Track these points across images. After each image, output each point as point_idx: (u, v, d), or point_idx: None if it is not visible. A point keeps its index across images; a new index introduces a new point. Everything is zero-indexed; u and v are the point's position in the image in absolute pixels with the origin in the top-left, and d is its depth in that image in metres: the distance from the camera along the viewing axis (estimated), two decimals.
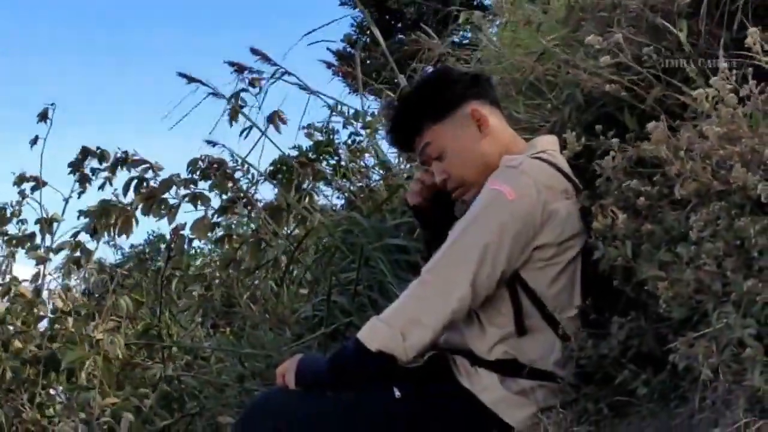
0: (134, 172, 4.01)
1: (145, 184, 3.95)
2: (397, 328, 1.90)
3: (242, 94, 3.81)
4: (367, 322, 1.98)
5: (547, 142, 2.14)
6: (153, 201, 3.89)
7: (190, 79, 3.70)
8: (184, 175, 3.93)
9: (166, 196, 3.91)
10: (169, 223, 3.91)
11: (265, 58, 3.65)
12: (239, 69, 3.79)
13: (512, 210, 1.92)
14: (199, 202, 3.88)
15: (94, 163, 4.15)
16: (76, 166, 4.17)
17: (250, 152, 3.83)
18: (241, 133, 3.74)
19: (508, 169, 1.99)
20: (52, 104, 4.26)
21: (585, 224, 1.97)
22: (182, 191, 3.92)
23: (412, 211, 2.36)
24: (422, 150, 2.14)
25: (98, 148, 4.17)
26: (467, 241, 1.94)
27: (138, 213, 3.98)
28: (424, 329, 1.90)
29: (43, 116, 4.22)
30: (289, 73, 3.58)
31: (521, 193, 1.93)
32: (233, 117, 3.73)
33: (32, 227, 4.38)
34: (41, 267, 4.26)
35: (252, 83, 3.77)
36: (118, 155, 4.05)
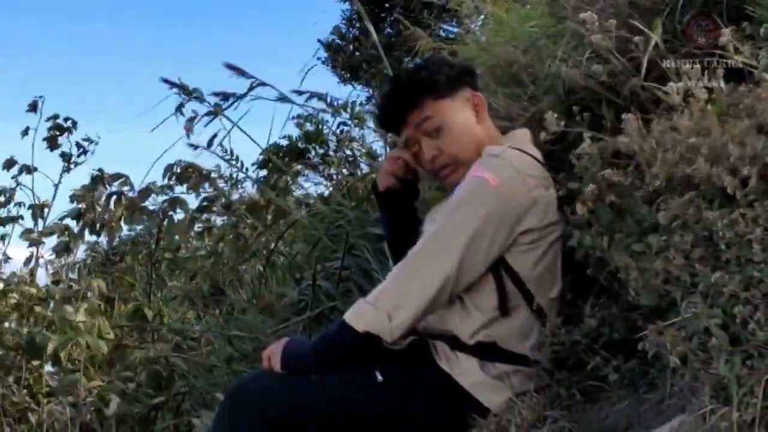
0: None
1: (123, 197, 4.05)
2: (383, 309, 1.93)
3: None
4: (353, 305, 2.01)
5: (523, 135, 2.18)
6: (134, 210, 3.98)
7: (173, 85, 3.72)
8: (159, 181, 4.05)
9: (146, 203, 4.03)
10: (152, 228, 4.02)
11: (241, 72, 3.66)
12: (225, 97, 3.80)
13: (497, 196, 1.96)
14: (177, 206, 3.96)
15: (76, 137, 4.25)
16: (52, 141, 4.24)
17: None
18: (208, 145, 3.77)
19: (490, 157, 2.03)
20: (41, 96, 4.32)
21: (562, 213, 2.01)
22: (161, 198, 4.04)
23: (379, 199, 2.35)
24: (419, 124, 2.14)
25: (67, 118, 4.25)
26: (453, 227, 1.97)
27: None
28: (409, 310, 1.93)
29: (32, 107, 4.28)
30: (266, 84, 3.59)
31: (504, 179, 1.97)
32: (188, 131, 3.77)
33: (25, 211, 4.45)
34: (34, 249, 4.32)
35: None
36: (94, 174, 4.15)
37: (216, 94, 3.63)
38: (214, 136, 3.74)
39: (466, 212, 1.97)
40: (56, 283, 4.29)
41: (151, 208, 4.05)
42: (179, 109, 3.69)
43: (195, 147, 3.71)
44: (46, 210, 4.37)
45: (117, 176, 4.13)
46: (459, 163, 2.12)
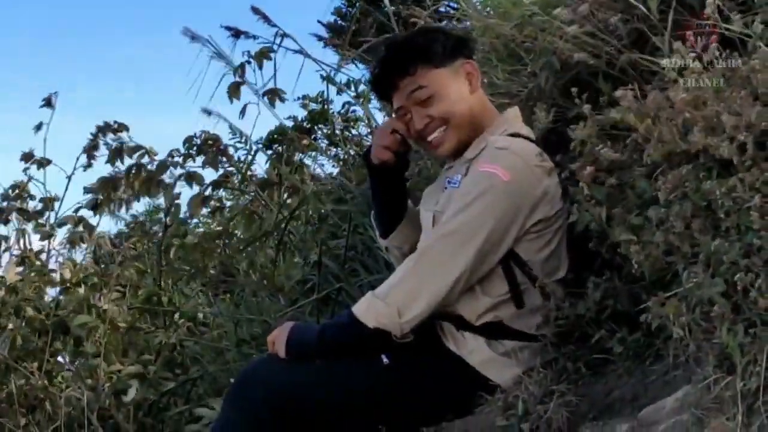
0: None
1: (142, 170, 4.03)
2: (394, 306, 1.93)
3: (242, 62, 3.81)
4: (362, 298, 2.00)
5: (515, 117, 2.17)
6: (151, 183, 3.97)
7: (194, 37, 3.68)
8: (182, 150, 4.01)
9: (162, 177, 4.00)
10: (166, 202, 4.00)
11: (266, 19, 3.62)
12: (236, 34, 3.77)
13: (509, 191, 1.95)
14: (194, 182, 3.95)
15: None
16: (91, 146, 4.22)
17: (254, 123, 3.86)
18: (241, 112, 3.75)
19: (498, 150, 2.00)
20: (55, 92, 4.30)
21: (566, 194, 2.00)
22: (178, 171, 4.01)
23: (371, 171, 2.30)
24: (411, 92, 2.11)
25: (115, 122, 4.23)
26: (467, 225, 1.95)
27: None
28: (420, 307, 1.93)
29: (47, 102, 4.27)
30: (288, 36, 3.55)
31: (515, 173, 1.95)
32: (233, 94, 3.73)
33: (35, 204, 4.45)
34: (46, 242, 4.34)
35: (264, 55, 3.74)
36: (115, 146, 4.11)
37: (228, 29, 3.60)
38: (245, 106, 3.72)
39: (478, 210, 1.95)
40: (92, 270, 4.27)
41: (168, 181, 4.04)
42: (242, 68, 3.65)
43: (209, 113, 3.68)
44: (56, 203, 4.36)
45: (137, 148, 4.10)
46: (450, 127, 2.10)
